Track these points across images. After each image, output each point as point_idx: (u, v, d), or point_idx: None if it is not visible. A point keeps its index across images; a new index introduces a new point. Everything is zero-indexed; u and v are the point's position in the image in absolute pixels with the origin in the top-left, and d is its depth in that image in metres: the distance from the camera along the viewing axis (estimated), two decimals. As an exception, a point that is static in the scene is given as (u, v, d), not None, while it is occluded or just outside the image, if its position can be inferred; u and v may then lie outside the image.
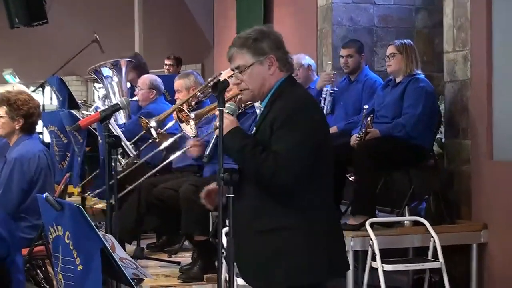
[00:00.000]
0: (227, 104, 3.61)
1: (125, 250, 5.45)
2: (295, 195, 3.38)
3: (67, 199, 6.33)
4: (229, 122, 3.47)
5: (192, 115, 5.65)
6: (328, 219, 3.48)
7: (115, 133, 5.97)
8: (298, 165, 3.33)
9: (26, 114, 5.42)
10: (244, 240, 3.43)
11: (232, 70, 3.59)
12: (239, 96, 3.68)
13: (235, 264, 3.40)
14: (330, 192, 3.55)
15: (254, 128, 3.59)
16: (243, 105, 5.48)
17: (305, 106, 3.45)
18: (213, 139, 3.82)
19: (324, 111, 6.72)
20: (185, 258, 6.44)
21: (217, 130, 3.44)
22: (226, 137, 3.43)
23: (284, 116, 3.38)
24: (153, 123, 6.26)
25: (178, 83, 6.68)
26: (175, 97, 6.81)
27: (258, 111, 4.87)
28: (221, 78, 5.95)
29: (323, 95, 6.83)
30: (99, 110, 5.63)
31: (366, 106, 6.18)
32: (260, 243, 3.40)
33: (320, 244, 3.40)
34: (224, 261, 3.56)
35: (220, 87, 3.46)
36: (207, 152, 3.98)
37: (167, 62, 10.41)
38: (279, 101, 3.48)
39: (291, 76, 3.60)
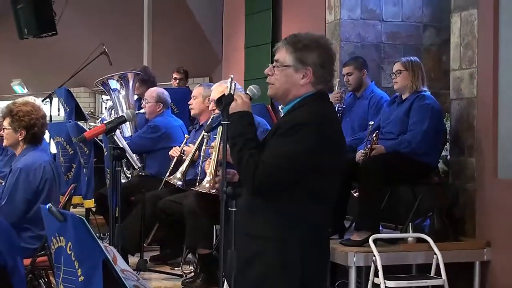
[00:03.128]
0: (250, 87, 3.59)
1: (128, 262, 5.47)
2: (279, 205, 3.35)
3: (72, 210, 6.34)
4: (241, 103, 3.44)
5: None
6: (311, 237, 3.41)
7: (121, 145, 5.99)
8: (276, 177, 3.29)
9: (27, 125, 5.42)
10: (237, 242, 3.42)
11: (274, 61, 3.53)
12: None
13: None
14: (324, 212, 3.48)
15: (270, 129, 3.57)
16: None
17: (315, 122, 3.34)
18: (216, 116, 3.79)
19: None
20: (188, 270, 6.45)
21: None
22: (234, 115, 3.41)
23: (288, 126, 3.34)
24: (178, 183, 6.34)
25: (198, 89, 6.78)
26: (189, 103, 6.85)
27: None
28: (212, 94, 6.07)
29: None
30: (105, 122, 5.65)
31: (371, 122, 6.19)
32: (243, 245, 3.38)
33: (294, 258, 3.36)
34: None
35: (224, 102, 3.47)
36: (208, 123, 3.96)
37: (176, 75, 10.44)
38: (295, 112, 3.42)
39: (322, 92, 3.49)
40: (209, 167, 5.61)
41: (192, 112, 6.89)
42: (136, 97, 8.32)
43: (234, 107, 3.44)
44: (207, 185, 5.67)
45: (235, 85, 5.65)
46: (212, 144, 5.88)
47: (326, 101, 3.55)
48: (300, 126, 3.32)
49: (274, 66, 3.49)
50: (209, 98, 6.59)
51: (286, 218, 3.37)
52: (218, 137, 5.51)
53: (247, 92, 3.58)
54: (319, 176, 3.37)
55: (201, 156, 6.21)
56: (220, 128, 5.23)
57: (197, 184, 5.94)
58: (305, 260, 3.39)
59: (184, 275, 6.35)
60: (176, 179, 6.36)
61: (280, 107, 5.25)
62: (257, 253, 3.37)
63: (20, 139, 5.46)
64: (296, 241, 3.37)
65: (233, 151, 3.38)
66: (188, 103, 6.90)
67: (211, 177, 5.60)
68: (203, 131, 6.24)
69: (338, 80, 7.36)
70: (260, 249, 3.37)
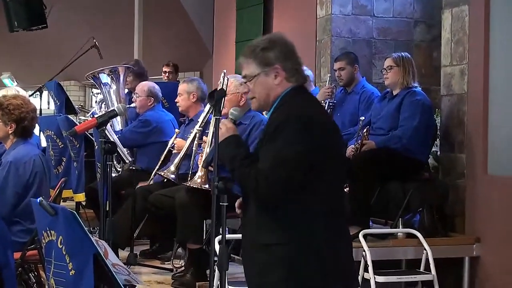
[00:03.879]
0: (231, 110, 3.60)
1: (118, 256, 5.47)
2: (284, 211, 3.29)
3: (62, 204, 6.32)
4: (225, 130, 3.44)
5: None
6: (326, 234, 3.32)
7: (111, 139, 5.98)
8: (277, 184, 3.23)
9: (17, 118, 5.41)
10: (247, 254, 3.42)
11: (243, 77, 3.55)
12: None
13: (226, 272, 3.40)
14: (332, 205, 3.38)
15: (245, 129, 3.59)
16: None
17: (296, 118, 3.31)
18: (212, 146, 3.82)
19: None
20: (178, 265, 6.45)
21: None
22: (221, 144, 3.42)
23: (272, 129, 3.31)
24: (172, 176, 6.31)
25: (181, 86, 6.78)
26: (176, 100, 6.86)
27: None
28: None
29: (323, 108, 6.86)
30: (95, 115, 5.64)
31: (362, 118, 6.20)
32: (256, 256, 3.35)
33: (312, 260, 3.28)
34: (216, 269, 3.56)
35: (216, 96, 3.48)
36: (205, 157, 3.98)
37: (165, 69, 10.43)
38: (278, 111, 3.41)
39: (299, 86, 3.48)
40: (201, 162, 5.61)
41: (180, 109, 6.90)
42: (126, 90, 8.29)
43: (220, 136, 3.46)
44: (199, 180, 5.67)
45: (227, 80, 5.64)
46: (204, 138, 5.88)
47: (304, 93, 3.53)
48: (283, 125, 3.28)
49: (246, 82, 3.51)
50: (193, 94, 6.60)
51: (296, 223, 3.30)
52: (210, 132, 5.50)
53: (230, 117, 3.58)
54: (319, 169, 3.30)
55: (193, 151, 6.21)
56: (212, 123, 5.23)
57: (189, 178, 5.94)
58: (323, 260, 3.31)
59: (174, 269, 6.35)
60: (170, 172, 6.35)
61: (264, 113, 5.26)
62: (271, 261, 3.30)
63: (10, 132, 5.44)
64: (307, 246, 3.30)
65: (234, 174, 3.37)
66: (175, 100, 6.90)
67: (203, 172, 5.60)
68: (195, 126, 6.25)
69: (329, 75, 7.36)
70: (274, 257, 3.30)
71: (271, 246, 3.29)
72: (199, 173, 5.62)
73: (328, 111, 6.83)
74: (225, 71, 5.76)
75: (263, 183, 3.22)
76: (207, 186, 5.52)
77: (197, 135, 6.20)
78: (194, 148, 6.13)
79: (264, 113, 5.39)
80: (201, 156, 5.66)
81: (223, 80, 5.50)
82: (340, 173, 3.46)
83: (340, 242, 3.41)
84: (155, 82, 7.80)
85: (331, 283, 3.33)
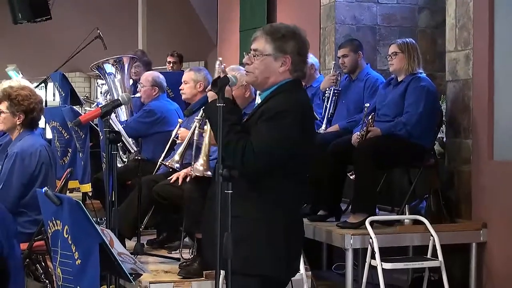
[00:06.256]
0: (228, 75, 3.64)
1: (125, 246, 5.47)
2: (263, 187, 3.49)
3: (68, 194, 6.33)
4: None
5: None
6: (291, 218, 3.59)
7: (116, 129, 5.98)
8: (264, 161, 3.43)
9: (26, 109, 5.42)
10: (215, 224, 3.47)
11: (250, 49, 3.65)
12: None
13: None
14: (301, 194, 3.68)
15: (246, 117, 3.65)
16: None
17: (295, 110, 3.50)
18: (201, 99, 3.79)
19: (329, 112, 6.76)
20: (185, 254, 6.45)
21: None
22: (211, 104, 3.50)
23: (273, 113, 3.47)
24: (176, 165, 6.29)
25: (188, 74, 6.72)
26: (180, 88, 6.84)
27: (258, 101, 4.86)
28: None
29: (327, 95, 6.85)
30: (100, 105, 5.64)
31: (367, 105, 6.19)
32: (231, 226, 3.42)
33: (280, 239, 3.52)
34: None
35: (220, 84, 3.47)
36: (190, 107, 3.93)
37: (170, 59, 10.40)
38: (276, 98, 3.56)
39: (298, 80, 3.67)
40: (203, 150, 5.60)
41: (183, 97, 6.86)
42: (131, 81, 8.29)
43: (212, 96, 3.54)
44: (201, 168, 5.66)
45: (222, 68, 5.58)
46: (205, 127, 5.86)
47: (302, 88, 3.77)
48: (287, 112, 3.47)
49: (254, 55, 3.61)
50: (200, 83, 6.58)
51: (271, 200, 3.52)
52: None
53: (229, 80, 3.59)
54: (299, 160, 3.55)
55: (194, 141, 6.19)
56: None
57: (191, 168, 5.93)
58: (290, 240, 3.56)
59: (182, 259, 6.35)
60: (174, 161, 6.34)
61: (258, 92, 5.23)
62: (245, 234, 3.47)
63: (18, 123, 5.45)
64: (281, 222, 3.53)
65: (220, 136, 3.44)
66: (179, 88, 6.88)
67: (204, 160, 5.59)
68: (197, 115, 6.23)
69: (333, 62, 7.35)
70: (248, 230, 3.49)
71: (247, 219, 3.48)
72: (200, 160, 5.61)
73: (334, 98, 6.82)
74: (220, 58, 5.71)
75: (251, 154, 3.40)
76: (209, 173, 5.52)
77: (198, 124, 6.18)
78: (195, 138, 6.11)
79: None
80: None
81: (219, 67, 5.39)
82: (308, 166, 3.67)
83: (301, 224, 3.75)
84: (160, 72, 7.79)
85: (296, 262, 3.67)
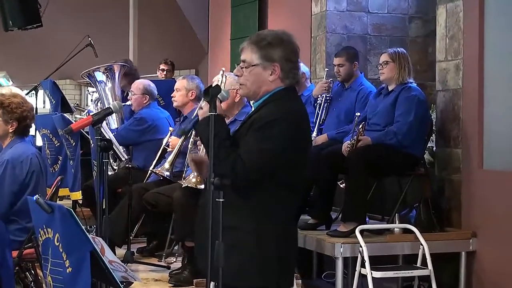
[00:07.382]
0: (222, 91, 3.63)
1: (115, 254, 5.47)
2: (254, 198, 3.43)
3: (58, 202, 6.32)
4: (207, 109, 3.46)
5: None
6: (284, 229, 3.52)
7: (107, 137, 5.98)
8: (255, 173, 3.37)
9: (19, 117, 5.41)
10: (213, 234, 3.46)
11: (240, 60, 3.61)
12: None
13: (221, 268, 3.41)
14: (295, 205, 3.60)
15: (239, 125, 3.63)
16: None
17: (287, 119, 3.44)
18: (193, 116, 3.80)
19: (320, 118, 6.77)
20: (176, 263, 6.45)
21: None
22: (203, 121, 3.46)
23: (262, 123, 3.41)
24: (166, 173, 6.30)
25: (181, 82, 6.75)
26: (172, 95, 6.85)
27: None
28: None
29: (319, 101, 6.86)
30: (91, 113, 5.64)
31: (358, 114, 6.20)
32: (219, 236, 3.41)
33: (271, 251, 3.45)
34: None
35: (212, 92, 3.48)
36: (182, 127, 3.94)
37: (164, 67, 10.38)
38: (267, 107, 3.50)
39: (292, 87, 3.59)
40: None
41: (175, 104, 6.89)
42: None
43: (202, 114, 3.51)
44: (194, 180, 5.67)
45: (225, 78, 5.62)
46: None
47: (296, 96, 3.66)
48: (276, 122, 3.40)
49: (242, 67, 3.56)
50: (192, 91, 6.59)
51: (262, 211, 3.45)
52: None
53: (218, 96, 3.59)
54: (291, 170, 3.46)
55: (188, 149, 6.20)
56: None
57: (183, 177, 5.94)
58: (281, 253, 3.49)
59: (167, 266, 6.35)
60: (164, 170, 6.35)
61: (251, 102, 5.25)
62: (235, 244, 3.40)
63: (10, 131, 5.44)
64: (272, 233, 3.47)
65: (211, 148, 3.39)
66: (171, 95, 6.89)
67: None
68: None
69: (326, 69, 7.37)
70: (237, 241, 3.43)
71: (237, 229, 3.41)
72: (195, 172, 5.61)
73: (325, 105, 6.83)
74: (223, 69, 5.74)
75: (241, 166, 3.34)
76: (202, 186, 5.51)
77: (192, 132, 6.20)
78: (190, 146, 6.12)
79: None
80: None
81: (222, 78, 5.43)
82: (305, 176, 3.60)
83: (295, 237, 3.68)
84: (150, 80, 7.80)
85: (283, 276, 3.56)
